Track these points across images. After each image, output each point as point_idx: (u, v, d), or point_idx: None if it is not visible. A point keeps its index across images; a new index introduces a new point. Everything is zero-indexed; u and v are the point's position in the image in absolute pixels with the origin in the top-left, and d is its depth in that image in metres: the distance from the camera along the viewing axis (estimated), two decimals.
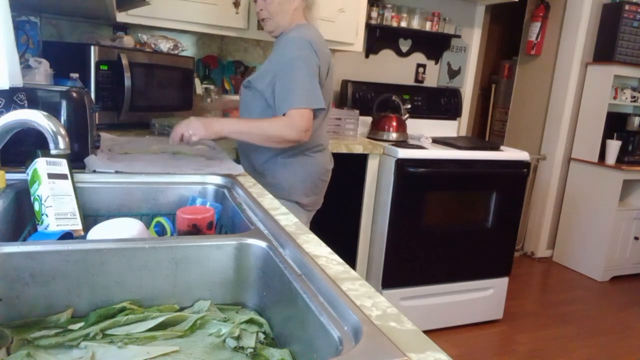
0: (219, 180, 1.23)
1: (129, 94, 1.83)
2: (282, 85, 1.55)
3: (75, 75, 1.68)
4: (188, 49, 2.46)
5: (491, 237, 2.65)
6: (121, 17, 1.96)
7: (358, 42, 2.59)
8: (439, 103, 3.18)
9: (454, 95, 3.24)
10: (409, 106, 2.97)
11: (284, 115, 1.52)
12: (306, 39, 1.57)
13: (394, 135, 2.69)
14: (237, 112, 1.90)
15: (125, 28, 2.31)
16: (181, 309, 0.80)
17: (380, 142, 2.58)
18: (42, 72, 1.56)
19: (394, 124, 2.70)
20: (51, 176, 0.93)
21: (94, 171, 1.16)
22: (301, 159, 1.68)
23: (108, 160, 1.25)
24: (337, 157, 1.90)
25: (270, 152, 1.65)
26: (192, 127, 1.45)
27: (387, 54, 3.12)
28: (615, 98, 3.57)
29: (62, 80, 1.65)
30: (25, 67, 1.55)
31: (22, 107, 1.09)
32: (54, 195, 0.92)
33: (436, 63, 3.29)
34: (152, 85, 1.99)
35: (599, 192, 3.52)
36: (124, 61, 1.81)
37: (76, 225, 0.93)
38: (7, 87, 0.93)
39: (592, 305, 3.16)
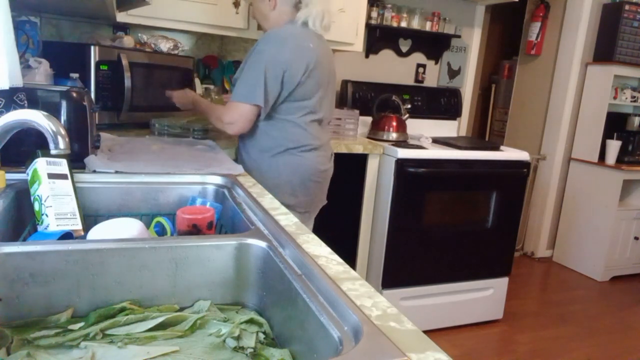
0: (219, 180, 1.23)
1: (129, 94, 1.83)
2: (239, 78, 1.62)
3: (75, 75, 1.68)
4: (188, 49, 2.46)
5: (491, 237, 2.64)
6: (121, 17, 1.96)
7: (358, 42, 2.59)
8: (439, 103, 3.18)
9: (454, 95, 3.24)
10: (409, 106, 2.97)
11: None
12: (275, 37, 1.60)
13: (394, 135, 2.69)
14: None
15: (125, 28, 2.31)
16: (181, 309, 0.80)
17: (380, 142, 2.58)
18: (42, 72, 1.56)
19: (394, 124, 2.70)
20: (51, 176, 0.93)
21: (94, 171, 1.16)
22: (286, 158, 1.67)
23: (108, 160, 1.25)
24: (337, 157, 1.90)
25: (255, 149, 1.68)
26: (179, 96, 1.82)
27: (387, 54, 3.12)
28: (615, 98, 3.57)
29: (62, 80, 1.65)
30: (25, 67, 1.55)
31: (22, 107, 1.09)
32: (54, 195, 0.92)
33: (436, 63, 3.29)
34: (152, 85, 1.99)
35: (599, 192, 3.52)
36: (124, 61, 1.81)
37: (76, 225, 0.93)
38: (7, 87, 0.93)
39: (592, 305, 3.16)
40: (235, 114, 1.59)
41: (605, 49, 3.51)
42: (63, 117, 1.15)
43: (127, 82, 1.82)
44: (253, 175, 1.65)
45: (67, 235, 0.87)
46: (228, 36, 2.38)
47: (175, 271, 0.81)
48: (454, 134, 3.26)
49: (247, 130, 1.64)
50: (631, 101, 3.66)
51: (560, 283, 3.49)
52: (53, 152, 0.88)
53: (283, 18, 1.65)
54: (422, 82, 3.24)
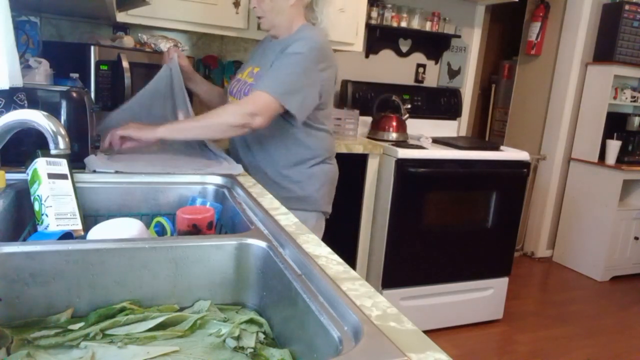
0: (219, 180, 1.23)
1: (129, 94, 1.83)
2: (269, 71, 1.48)
3: (75, 75, 1.68)
4: (188, 49, 2.45)
5: (491, 237, 2.64)
6: (121, 17, 1.96)
7: (358, 42, 2.59)
8: (439, 103, 3.18)
9: (454, 95, 3.24)
10: (409, 106, 2.97)
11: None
12: (320, 45, 1.51)
13: (394, 135, 2.69)
14: None
15: (125, 28, 2.31)
16: (181, 309, 0.80)
17: (380, 142, 2.58)
18: (42, 72, 1.56)
19: (394, 124, 2.70)
20: (51, 176, 0.93)
21: (94, 171, 1.16)
22: (323, 168, 1.64)
23: (108, 160, 1.25)
24: (337, 157, 1.90)
25: (289, 162, 1.57)
26: (128, 130, 1.32)
27: (387, 54, 3.12)
28: (615, 98, 3.58)
29: (62, 80, 1.65)
30: (25, 67, 1.55)
31: (22, 107, 1.09)
32: (54, 195, 0.92)
33: (436, 63, 3.29)
34: None
35: (599, 192, 3.52)
36: (124, 61, 1.81)
37: (76, 225, 0.93)
38: (7, 87, 0.93)
39: (592, 305, 3.15)
40: (263, 107, 1.40)
41: (605, 49, 3.51)
42: (63, 117, 1.15)
43: (127, 82, 1.82)
44: (291, 192, 1.57)
45: (67, 235, 0.87)
46: (228, 36, 2.38)
47: (175, 271, 0.81)
48: (454, 134, 3.26)
49: (267, 131, 1.48)
50: (631, 101, 3.66)
51: (560, 283, 3.49)
52: (53, 152, 0.88)
53: (299, 15, 1.57)
54: (422, 82, 3.24)
